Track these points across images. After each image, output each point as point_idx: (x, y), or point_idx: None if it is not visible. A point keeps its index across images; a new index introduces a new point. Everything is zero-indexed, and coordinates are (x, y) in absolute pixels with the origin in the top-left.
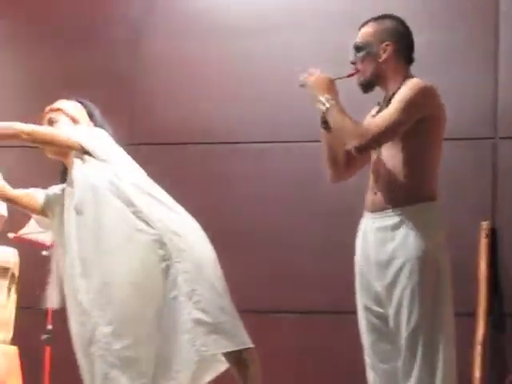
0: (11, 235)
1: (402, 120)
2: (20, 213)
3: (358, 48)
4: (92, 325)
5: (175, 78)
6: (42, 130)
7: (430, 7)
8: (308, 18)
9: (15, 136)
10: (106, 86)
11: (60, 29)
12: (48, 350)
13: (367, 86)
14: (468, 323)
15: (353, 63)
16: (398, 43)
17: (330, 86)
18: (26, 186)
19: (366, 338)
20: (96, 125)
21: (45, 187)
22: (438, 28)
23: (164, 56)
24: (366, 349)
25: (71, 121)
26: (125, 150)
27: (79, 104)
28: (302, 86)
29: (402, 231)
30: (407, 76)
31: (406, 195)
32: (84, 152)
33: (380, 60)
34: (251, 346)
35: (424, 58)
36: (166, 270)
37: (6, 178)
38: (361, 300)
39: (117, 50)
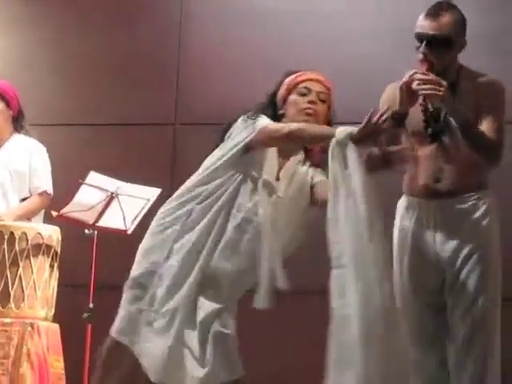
0: (54, 213)
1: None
2: (63, 191)
3: (436, 40)
4: None
5: (218, 61)
6: None
7: None
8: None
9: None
10: (151, 69)
11: (106, 13)
12: (89, 328)
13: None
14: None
15: (425, 55)
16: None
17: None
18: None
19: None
20: None
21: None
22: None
23: (207, 37)
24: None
25: None
26: (170, 129)
27: None
28: (439, 100)
29: (473, 217)
30: (460, 64)
31: (476, 182)
32: None
33: (455, 55)
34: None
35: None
36: None
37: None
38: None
39: (160, 32)
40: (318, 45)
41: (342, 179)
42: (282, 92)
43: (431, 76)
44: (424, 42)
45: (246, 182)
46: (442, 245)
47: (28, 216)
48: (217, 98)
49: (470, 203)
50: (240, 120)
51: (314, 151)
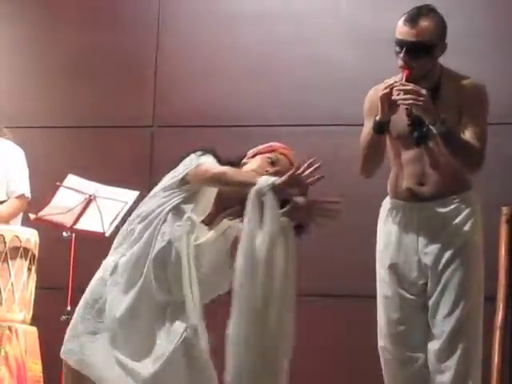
0: (32, 216)
1: (487, 128)
2: (41, 194)
3: (416, 46)
4: None
5: (196, 60)
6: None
7: None
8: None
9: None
10: (129, 70)
11: (82, 14)
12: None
13: (414, 82)
14: (488, 307)
15: (405, 62)
16: (446, 39)
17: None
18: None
19: (394, 328)
20: None
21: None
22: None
23: (185, 40)
24: (392, 338)
25: None
26: (148, 132)
27: None
28: (409, 106)
29: (457, 219)
30: (441, 66)
31: (460, 183)
32: None
33: (435, 58)
34: None
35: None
36: None
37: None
38: (393, 290)
39: (138, 33)
40: (297, 46)
41: (254, 228)
42: (252, 151)
43: (411, 86)
44: (404, 49)
45: (174, 213)
46: (424, 248)
47: (6, 219)
48: (195, 100)
49: (453, 206)
50: (193, 153)
51: None
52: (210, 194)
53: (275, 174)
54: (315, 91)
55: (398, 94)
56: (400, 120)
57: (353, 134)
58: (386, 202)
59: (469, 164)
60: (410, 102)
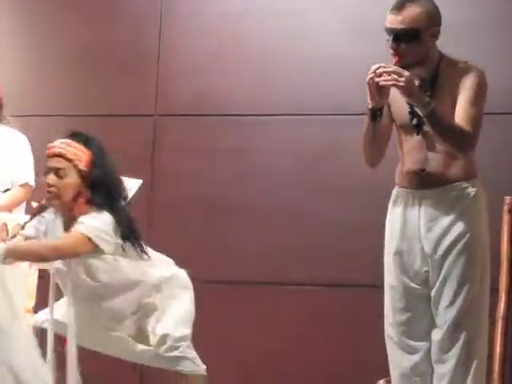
0: (35, 204)
1: (482, 113)
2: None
3: (402, 34)
4: None
5: (198, 50)
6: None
7: None
8: None
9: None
10: (131, 59)
11: (84, 1)
12: None
13: (406, 69)
14: (490, 298)
15: (394, 49)
16: (439, 25)
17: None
18: None
19: (399, 316)
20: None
21: None
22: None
23: (186, 27)
24: (397, 327)
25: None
26: (150, 120)
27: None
28: (402, 91)
29: (459, 206)
30: (441, 53)
31: (462, 171)
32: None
33: (427, 45)
34: None
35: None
36: None
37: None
38: (397, 279)
39: (140, 22)
40: (296, 38)
41: None
42: None
43: (392, 67)
44: (391, 36)
45: None
46: (425, 235)
47: (9, 207)
48: (197, 89)
49: (456, 193)
50: None
51: None
52: None
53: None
54: (316, 81)
55: (381, 76)
56: (402, 109)
57: (354, 123)
58: (394, 191)
59: (458, 147)
60: (391, 82)
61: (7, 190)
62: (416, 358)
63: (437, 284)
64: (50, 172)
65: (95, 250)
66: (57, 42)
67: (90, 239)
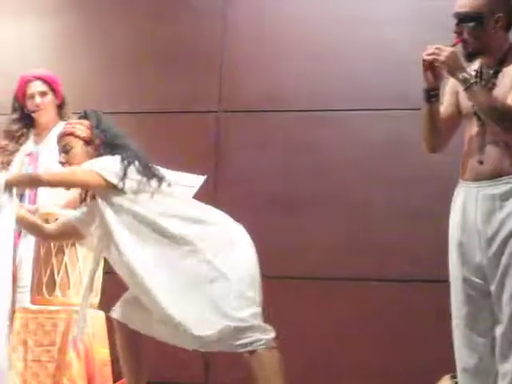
0: None
1: None
2: None
3: (465, 17)
4: None
5: (262, 49)
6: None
7: None
8: None
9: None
10: (194, 57)
11: (147, 2)
12: None
13: (473, 57)
14: None
15: (458, 33)
16: (507, 13)
17: (461, 62)
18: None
19: (460, 310)
20: (106, 135)
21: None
22: None
23: (252, 26)
24: (459, 320)
25: (85, 143)
26: (213, 117)
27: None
28: (432, 62)
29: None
30: (510, 44)
31: None
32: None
33: (491, 32)
34: None
35: None
36: None
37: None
38: (458, 271)
39: (204, 17)
40: (358, 29)
41: None
42: None
43: (441, 46)
44: (456, 21)
45: None
46: (482, 226)
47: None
48: (260, 85)
49: (509, 187)
50: None
51: None
52: None
53: None
54: (384, 75)
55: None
56: (467, 100)
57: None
58: (459, 183)
59: (502, 125)
60: (432, 57)
61: None
62: (478, 354)
63: (496, 278)
64: (60, 154)
65: (106, 185)
66: (121, 39)
67: (96, 172)
